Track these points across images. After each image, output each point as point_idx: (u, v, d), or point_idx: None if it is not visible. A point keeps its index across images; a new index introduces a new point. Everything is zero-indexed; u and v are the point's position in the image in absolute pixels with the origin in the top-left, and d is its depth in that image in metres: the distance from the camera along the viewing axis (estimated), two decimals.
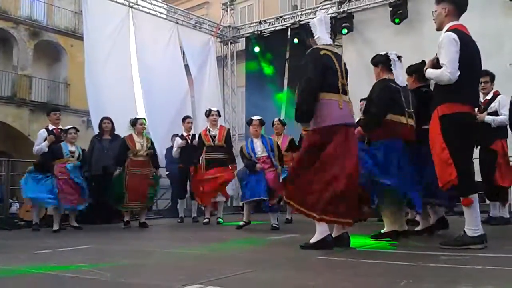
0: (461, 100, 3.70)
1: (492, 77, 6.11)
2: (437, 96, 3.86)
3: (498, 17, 9.13)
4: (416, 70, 5.14)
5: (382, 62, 4.70)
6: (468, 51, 3.71)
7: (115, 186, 7.12)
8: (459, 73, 3.62)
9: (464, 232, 3.63)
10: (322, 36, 4.14)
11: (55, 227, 6.80)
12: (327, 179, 3.80)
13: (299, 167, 4.01)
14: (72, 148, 7.06)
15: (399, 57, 4.75)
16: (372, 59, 4.83)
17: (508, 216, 6.16)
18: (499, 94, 6.05)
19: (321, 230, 3.88)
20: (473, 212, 3.60)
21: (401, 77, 4.69)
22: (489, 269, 2.83)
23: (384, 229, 4.48)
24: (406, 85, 4.81)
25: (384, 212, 4.49)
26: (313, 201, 3.82)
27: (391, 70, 4.65)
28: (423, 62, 5.17)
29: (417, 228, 5.01)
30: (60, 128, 7.52)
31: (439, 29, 3.95)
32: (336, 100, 3.95)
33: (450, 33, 3.72)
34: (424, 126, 4.79)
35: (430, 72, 3.85)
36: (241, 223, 6.44)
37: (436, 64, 3.80)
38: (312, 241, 3.91)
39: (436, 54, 3.84)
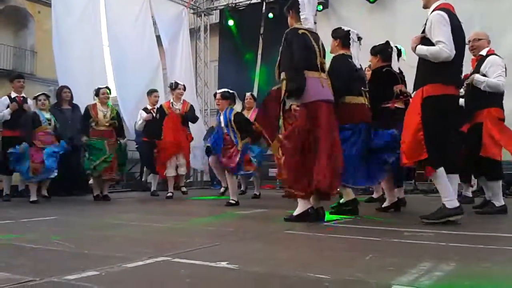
0: (446, 81, 3.73)
1: None
2: (422, 76, 3.86)
3: (469, 1, 9.20)
4: (381, 51, 5.20)
5: (341, 37, 4.72)
6: (456, 32, 3.73)
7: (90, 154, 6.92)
8: (455, 52, 3.65)
9: (443, 204, 3.74)
10: (308, 18, 4.18)
11: (33, 197, 6.56)
12: (322, 156, 3.88)
13: (293, 148, 3.98)
14: (48, 115, 6.87)
15: (359, 38, 4.77)
16: (333, 31, 4.84)
17: (471, 195, 6.33)
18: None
19: (303, 203, 3.98)
20: (440, 183, 3.73)
21: (357, 58, 4.70)
22: (451, 246, 2.90)
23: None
24: (361, 66, 4.85)
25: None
26: (303, 179, 3.89)
27: (348, 46, 4.69)
28: (387, 42, 5.21)
29: (384, 205, 5.09)
30: (22, 96, 7.29)
31: (425, 7, 3.96)
32: (318, 77, 4.06)
33: (442, 12, 3.74)
34: (380, 105, 4.92)
35: (424, 49, 3.77)
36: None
37: (425, 42, 3.78)
38: (295, 213, 4.01)
39: (423, 32, 3.83)
